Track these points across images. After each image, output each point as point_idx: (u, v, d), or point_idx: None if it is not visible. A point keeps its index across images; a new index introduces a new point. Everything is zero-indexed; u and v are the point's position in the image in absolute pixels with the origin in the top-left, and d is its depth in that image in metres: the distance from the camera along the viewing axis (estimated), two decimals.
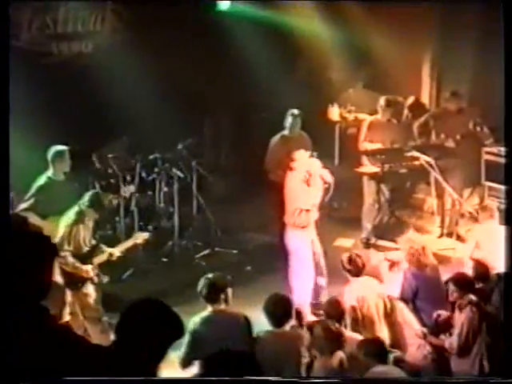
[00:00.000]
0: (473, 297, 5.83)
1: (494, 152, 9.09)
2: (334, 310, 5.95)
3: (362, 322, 6.21)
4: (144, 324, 2.95)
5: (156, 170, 8.93)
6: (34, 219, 6.71)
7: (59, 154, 7.12)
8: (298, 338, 5.51)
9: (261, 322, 6.33)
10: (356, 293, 6.28)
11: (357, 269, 6.40)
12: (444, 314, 6.19)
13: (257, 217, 9.25)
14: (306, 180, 7.40)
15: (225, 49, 9.30)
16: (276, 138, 8.59)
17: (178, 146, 8.94)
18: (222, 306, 5.56)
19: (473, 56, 9.94)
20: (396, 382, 3.06)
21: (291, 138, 8.53)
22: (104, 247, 6.83)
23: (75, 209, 6.62)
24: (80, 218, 6.61)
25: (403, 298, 6.53)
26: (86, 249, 6.67)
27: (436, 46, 10.43)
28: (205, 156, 9.72)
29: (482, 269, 6.59)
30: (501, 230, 6.82)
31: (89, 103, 8.49)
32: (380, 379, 3.86)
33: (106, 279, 7.74)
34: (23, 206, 6.94)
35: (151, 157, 8.87)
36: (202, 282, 5.66)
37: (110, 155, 8.85)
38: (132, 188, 7.82)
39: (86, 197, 6.66)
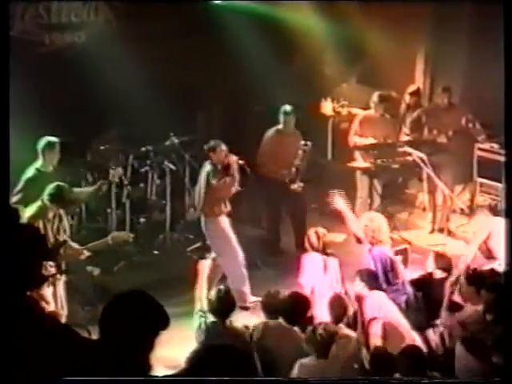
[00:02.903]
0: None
1: (486, 148, 9.08)
2: (339, 309, 5.82)
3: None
4: (128, 316, 2.92)
5: (148, 162, 8.88)
6: (23, 212, 6.59)
7: (50, 145, 7.00)
8: (294, 334, 5.48)
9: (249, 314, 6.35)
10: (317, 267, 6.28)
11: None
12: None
13: (248, 210, 9.20)
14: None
15: (219, 42, 9.22)
16: (270, 132, 8.53)
17: (170, 138, 8.88)
18: None
19: (466, 52, 9.93)
20: (396, 382, 3.03)
21: (286, 134, 8.48)
22: (73, 244, 6.44)
23: (37, 203, 6.26)
24: (41, 212, 6.23)
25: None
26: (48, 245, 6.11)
27: (429, 42, 10.40)
28: (198, 149, 9.65)
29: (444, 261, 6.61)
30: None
31: (81, 94, 8.39)
32: (380, 379, 3.82)
33: (96, 271, 7.74)
34: (14, 199, 6.78)
35: (143, 149, 8.80)
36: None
37: (101, 147, 8.80)
38: (120, 171, 7.66)
39: (47, 190, 6.24)
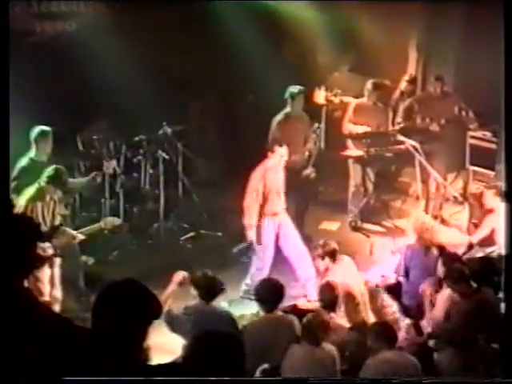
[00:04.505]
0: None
1: (478, 136, 9.06)
2: (328, 296, 5.87)
3: (348, 308, 6.19)
4: (121, 304, 2.91)
5: (141, 151, 8.84)
6: (17, 201, 6.57)
7: (43, 134, 6.95)
8: (289, 324, 5.46)
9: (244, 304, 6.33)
10: (338, 278, 6.22)
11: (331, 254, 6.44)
12: (428, 290, 6.18)
13: (242, 200, 9.16)
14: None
15: (211, 31, 9.17)
16: (279, 117, 8.30)
17: (163, 128, 8.83)
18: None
19: (459, 40, 9.90)
20: (396, 382, 3.02)
21: (294, 117, 8.30)
22: (67, 229, 6.51)
23: (35, 185, 6.32)
24: (39, 194, 6.30)
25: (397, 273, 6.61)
26: (44, 228, 6.28)
27: (422, 30, 10.36)
28: (191, 138, 9.62)
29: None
30: None
31: (73, 83, 8.34)
32: (380, 379, 3.82)
33: (90, 261, 7.72)
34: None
35: (136, 138, 8.77)
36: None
37: (94, 136, 8.76)
38: (114, 163, 7.61)
39: (46, 173, 6.32)
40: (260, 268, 7.39)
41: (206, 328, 4.28)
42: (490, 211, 7.34)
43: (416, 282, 6.46)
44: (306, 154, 8.35)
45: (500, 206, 6.89)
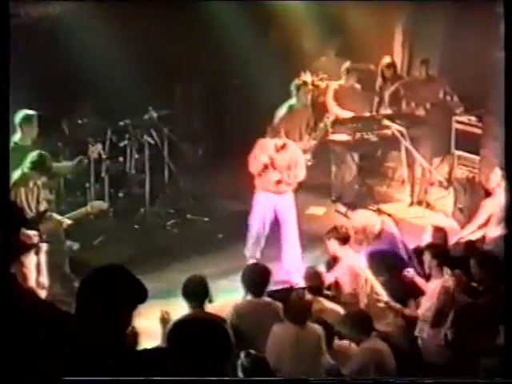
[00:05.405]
0: (455, 270, 5.81)
1: (464, 121, 9.08)
2: (314, 281, 5.89)
3: (345, 295, 6.23)
4: (105, 289, 2.89)
5: (127, 136, 8.78)
6: None
7: (28, 118, 6.86)
8: (275, 310, 5.46)
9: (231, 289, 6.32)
10: (345, 264, 6.29)
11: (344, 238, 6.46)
12: (411, 274, 6.20)
13: (228, 184, 9.15)
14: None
15: (197, 17, 9.11)
16: (284, 109, 8.26)
17: (149, 112, 8.77)
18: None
19: (444, 24, 9.89)
20: (396, 382, 3.03)
21: (299, 109, 8.31)
22: (53, 214, 6.44)
23: (18, 171, 6.24)
24: (22, 180, 6.22)
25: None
26: (29, 214, 6.21)
27: (407, 15, 10.35)
28: (176, 123, 9.57)
29: (440, 235, 6.64)
30: None
31: (58, 67, 8.27)
32: (381, 379, 3.85)
33: (76, 246, 7.69)
34: None
35: (122, 123, 8.69)
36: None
37: (79, 121, 8.70)
38: (99, 147, 7.53)
39: (29, 158, 6.23)
40: (254, 242, 7.45)
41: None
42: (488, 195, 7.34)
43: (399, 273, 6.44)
44: (311, 142, 8.37)
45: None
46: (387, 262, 6.64)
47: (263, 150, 7.34)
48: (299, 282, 6.66)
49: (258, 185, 7.44)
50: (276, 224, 7.55)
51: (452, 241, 7.04)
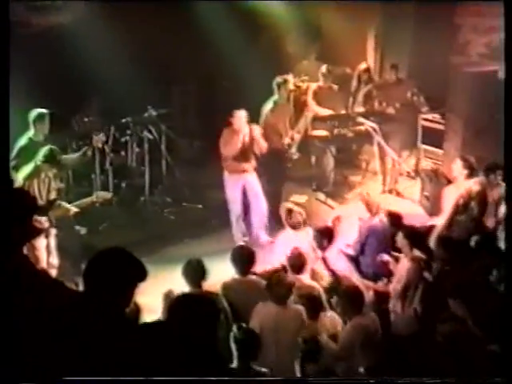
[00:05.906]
0: (420, 254, 5.78)
1: (429, 118, 9.23)
2: (296, 261, 5.82)
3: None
4: (109, 269, 2.95)
5: (128, 132, 8.82)
6: (16, 178, 6.54)
7: (41, 116, 6.92)
8: (261, 286, 5.45)
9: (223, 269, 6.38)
10: (289, 243, 6.24)
11: (296, 223, 6.54)
12: (386, 258, 6.24)
13: (220, 175, 9.18)
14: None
15: (192, 22, 9.15)
16: (269, 105, 8.26)
17: (148, 111, 8.81)
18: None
19: (412, 32, 9.97)
20: (397, 382, 3.06)
21: (281, 104, 8.31)
22: (62, 203, 6.54)
23: (31, 164, 6.38)
24: (35, 172, 6.36)
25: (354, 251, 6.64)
26: (41, 202, 6.33)
27: (379, 23, 10.43)
28: (173, 120, 9.60)
29: (395, 219, 6.68)
30: None
31: (67, 71, 8.29)
32: (382, 379, 3.88)
33: (83, 231, 7.75)
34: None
35: (124, 120, 8.74)
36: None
37: (85, 119, 8.75)
38: (102, 136, 7.52)
39: (41, 152, 6.40)
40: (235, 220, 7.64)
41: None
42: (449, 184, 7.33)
43: (373, 255, 6.44)
44: (295, 136, 8.45)
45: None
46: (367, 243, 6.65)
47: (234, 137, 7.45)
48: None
49: (225, 167, 7.59)
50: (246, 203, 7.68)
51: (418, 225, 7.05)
